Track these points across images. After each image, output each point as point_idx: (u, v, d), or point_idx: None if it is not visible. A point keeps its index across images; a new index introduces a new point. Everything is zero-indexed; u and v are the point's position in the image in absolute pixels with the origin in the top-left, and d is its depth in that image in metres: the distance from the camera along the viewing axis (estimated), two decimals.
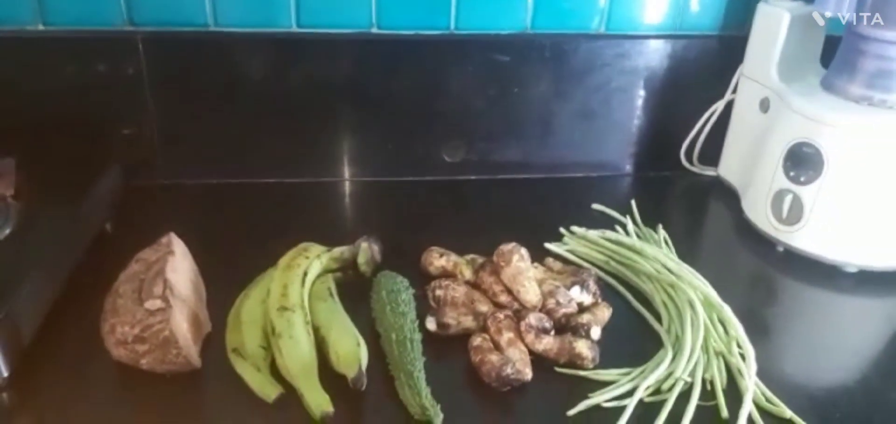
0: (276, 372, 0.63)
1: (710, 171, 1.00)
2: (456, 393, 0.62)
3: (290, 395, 0.61)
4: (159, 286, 0.63)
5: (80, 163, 0.82)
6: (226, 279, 0.72)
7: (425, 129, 0.95)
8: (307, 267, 0.69)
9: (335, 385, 0.60)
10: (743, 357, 0.65)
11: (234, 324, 0.66)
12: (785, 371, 0.67)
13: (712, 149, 0.99)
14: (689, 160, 1.00)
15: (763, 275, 0.84)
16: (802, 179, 0.80)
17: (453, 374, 0.65)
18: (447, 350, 0.67)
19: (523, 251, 0.71)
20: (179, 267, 0.67)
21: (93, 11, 0.84)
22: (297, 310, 0.64)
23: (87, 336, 0.63)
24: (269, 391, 0.60)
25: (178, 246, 0.69)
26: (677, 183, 1.01)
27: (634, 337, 0.71)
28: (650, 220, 0.88)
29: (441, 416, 0.59)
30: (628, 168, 1.02)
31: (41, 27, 0.85)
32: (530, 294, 0.69)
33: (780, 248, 0.85)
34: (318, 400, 0.59)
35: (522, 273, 0.69)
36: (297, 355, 0.61)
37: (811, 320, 0.77)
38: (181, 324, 0.61)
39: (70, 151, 0.84)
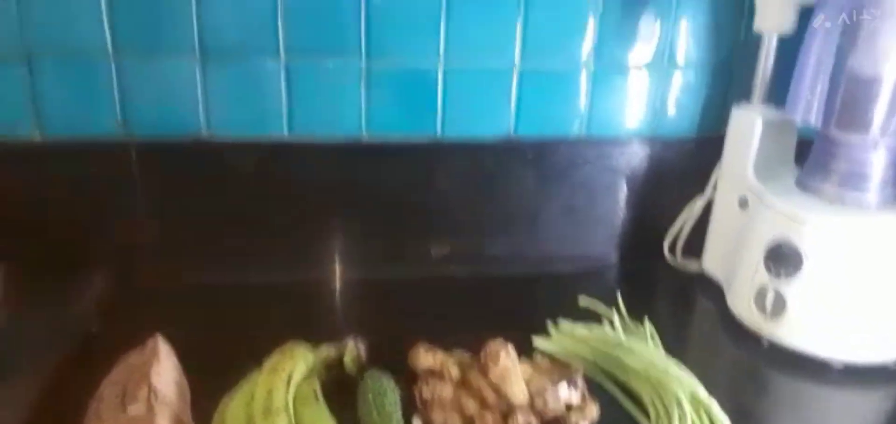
0: None
1: (693, 265, 1.00)
2: None
3: None
4: (143, 391, 0.61)
5: (70, 267, 0.81)
6: (212, 380, 0.69)
7: (412, 226, 0.95)
8: (292, 369, 0.67)
9: None
10: None
11: None
12: None
13: (696, 242, 0.99)
14: (673, 253, 1.00)
15: (749, 369, 0.83)
16: (783, 275, 0.80)
17: None
18: None
19: (510, 349, 0.69)
20: (164, 370, 0.65)
21: (88, 121, 0.85)
22: (281, 415, 0.62)
23: None
24: None
25: (163, 349, 0.68)
26: (662, 275, 1.00)
27: None
28: (635, 312, 0.87)
29: None
30: (614, 259, 1.01)
31: (38, 138, 0.85)
32: (518, 393, 0.67)
33: (766, 343, 0.83)
34: None
35: (510, 372, 0.68)
36: None
37: (799, 415, 0.75)
38: None
39: (61, 255, 0.83)
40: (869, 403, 0.78)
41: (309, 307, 0.90)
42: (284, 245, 0.93)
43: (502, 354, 0.69)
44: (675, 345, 0.81)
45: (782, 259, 0.80)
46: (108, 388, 0.62)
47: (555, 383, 0.70)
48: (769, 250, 0.81)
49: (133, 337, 0.69)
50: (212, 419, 0.66)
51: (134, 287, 0.89)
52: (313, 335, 0.75)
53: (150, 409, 0.59)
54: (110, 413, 0.60)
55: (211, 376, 0.70)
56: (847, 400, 0.78)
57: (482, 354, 0.70)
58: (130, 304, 0.87)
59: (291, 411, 0.64)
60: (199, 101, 0.86)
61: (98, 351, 0.72)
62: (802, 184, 0.84)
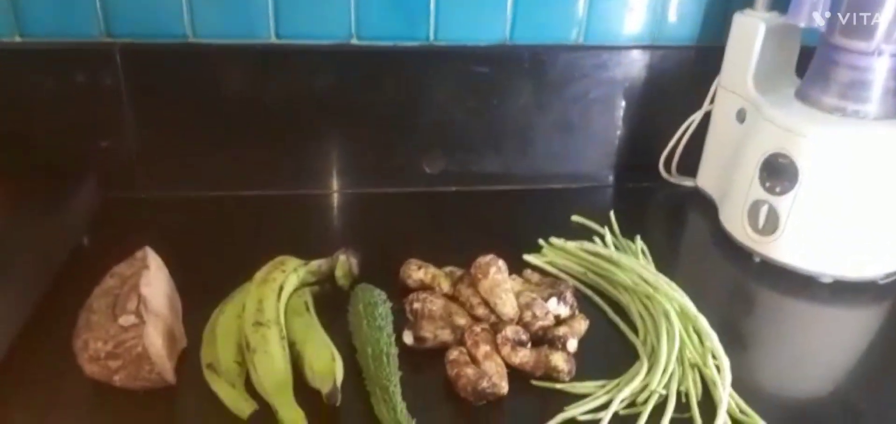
0: (251, 388, 0.62)
1: (688, 182, 1.00)
2: (432, 408, 0.62)
3: (265, 411, 0.60)
4: (133, 301, 0.62)
5: (56, 175, 0.81)
6: (202, 293, 0.71)
7: (405, 140, 0.95)
8: (283, 281, 0.68)
9: (310, 401, 0.60)
10: (718, 368, 0.65)
11: (209, 340, 0.65)
12: (759, 382, 0.67)
13: (691, 160, 0.99)
14: (668, 170, 1.00)
15: (740, 286, 0.84)
16: (778, 190, 0.80)
17: (430, 388, 0.64)
18: (424, 363, 0.67)
19: (501, 263, 0.70)
20: (154, 281, 0.66)
21: (69, 22, 0.83)
22: (272, 326, 0.64)
23: (61, 352, 0.62)
24: (242, 407, 0.60)
25: (154, 261, 0.68)
26: (656, 193, 1.01)
27: (611, 348, 0.70)
28: (629, 231, 0.88)
29: None
30: (608, 178, 1.02)
31: (18, 39, 0.84)
32: (507, 306, 0.68)
33: (757, 259, 0.85)
34: (291, 417, 0.58)
35: (499, 285, 0.69)
36: (272, 371, 0.61)
37: (786, 331, 0.77)
38: (155, 340, 0.61)
39: (46, 163, 0.83)
40: (856, 319, 0.80)
41: (300, 220, 0.91)
42: (274, 156, 0.93)
43: (492, 268, 0.70)
44: (666, 262, 0.82)
45: (778, 173, 0.80)
46: (99, 299, 0.63)
47: (544, 297, 0.71)
48: (765, 163, 0.82)
49: (122, 249, 0.70)
50: (202, 331, 0.67)
51: (122, 198, 0.90)
52: (305, 248, 0.76)
53: (141, 319, 0.60)
54: (101, 323, 0.61)
55: (201, 288, 0.71)
56: (834, 316, 0.80)
57: (472, 268, 0.71)
58: (119, 215, 0.87)
59: (282, 322, 0.65)
60: (183, 3, 0.84)
61: (87, 262, 0.73)
62: (802, 96, 0.84)
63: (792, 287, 0.82)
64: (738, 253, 0.87)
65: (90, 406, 0.61)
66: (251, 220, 0.89)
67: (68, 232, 0.79)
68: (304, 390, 0.61)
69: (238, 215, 0.90)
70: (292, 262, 0.72)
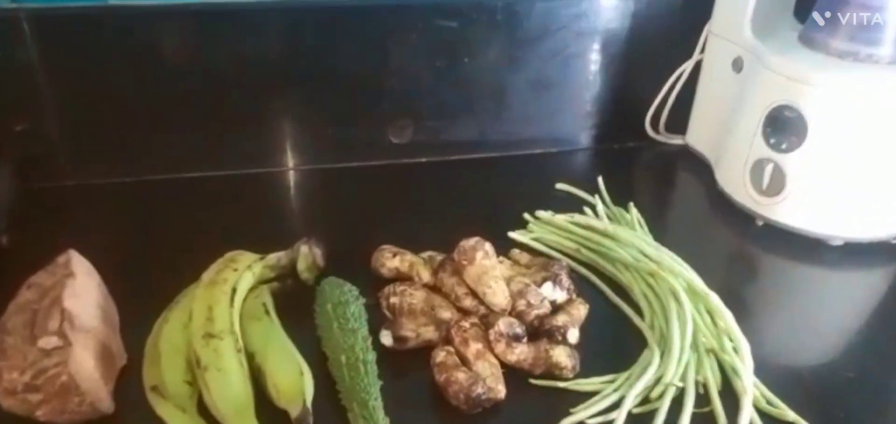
0: (204, 411, 0.53)
1: (677, 140, 0.94)
2: (419, 420, 0.55)
3: None
4: (56, 318, 0.52)
5: None
6: (143, 298, 0.62)
7: (368, 108, 0.86)
8: (235, 281, 0.59)
9: (273, 420, 0.51)
10: (736, 351, 0.59)
11: (153, 357, 0.56)
12: (773, 358, 0.61)
13: (680, 116, 0.92)
14: (655, 129, 0.93)
15: (741, 252, 0.79)
16: (784, 146, 0.74)
17: (415, 396, 0.57)
18: (406, 366, 0.59)
19: (487, 246, 0.63)
20: (82, 291, 0.57)
21: None
22: (226, 336, 0.55)
23: None
24: None
25: (80, 266, 0.59)
26: (643, 154, 0.94)
27: (615, 335, 0.64)
28: (618, 198, 0.81)
29: None
30: (590, 141, 0.94)
31: None
32: (498, 296, 0.60)
33: (760, 222, 0.78)
34: None
35: (488, 272, 0.61)
36: (228, 391, 0.52)
37: (796, 298, 0.71)
38: (85, 363, 0.51)
39: None
40: (868, 281, 0.74)
41: (252, 205, 0.81)
42: (219, 133, 0.83)
43: (479, 253, 0.62)
44: (661, 230, 0.76)
45: (783, 127, 0.74)
46: (14, 317, 0.54)
47: (537, 282, 0.63)
48: (768, 118, 0.75)
49: (42, 252, 0.60)
50: (143, 344, 0.58)
51: (43, 187, 0.79)
52: (259, 239, 0.67)
53: (65, 340, 0.51)
54: (17, 347, 0.51)
55: (141, 293, 0.62)
56: (845, 279, 0.75)
57: (455, 253, 0.63)
58: (40, 209, 0.77)
59: (238, 331, 0.56)
60: None
61: (4, 268, 0.63)
62: (807, 40, 0.77)
63: (799, 251, 0.76)
64: (738, 217, 0.80)
65: None
66: (195, 209, 0.79)
67: None
68: (267, 409, 0.53)
69: (180, 203, 0.80)
70: (245, 258, 0.63)
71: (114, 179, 0.81)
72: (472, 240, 0.62)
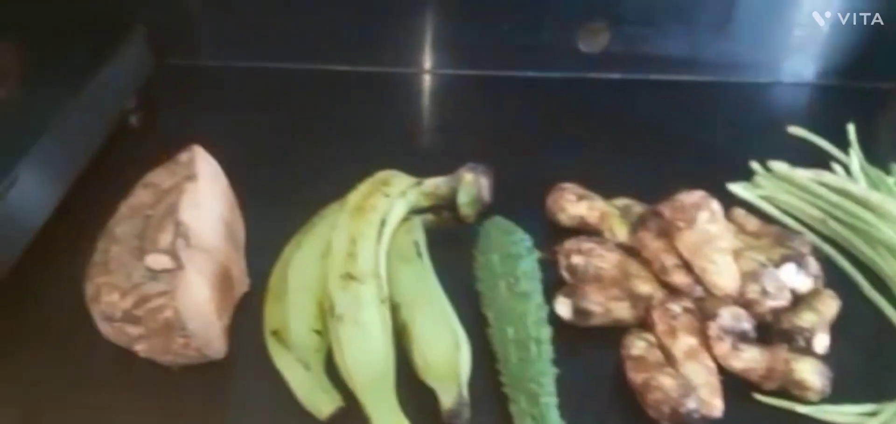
0: (332, 371, 0.43)
1: None
2: None
3: (352, 409, 0.42)
4: (168, 232, 0.44)
5: (94, 28, 0.63)
6: (274, 213, 0.53)
7: (553, 6, 0.72)
8: (386, 211, 0.49)
9: (417, 398, 0.42)
10: None
11: (278, 291, 0.47)
12: None
13: None
14: None
15: None
16: None
17: (594, 392, 0.46)
18: (584, 348, 0.47)
19: (715, 206, 0.48)
20: (204, 199, 0.48)
21: None
22: (369, 280, 0.45)
23: (77, 288, 0.44)
24: (319, 402, 0.42)
25: (205, 167, 0.50)
26: None
27: (874, 347, 0.49)
28: (871, 155, 0.62)
29: None
30: (835, 76, 0.75)
31: None
32: (724, 276, 0.46)
33: None
34: None
35: (712, 241, 0.47)
36: (366, 353, 0.42)
37: None
38: (197, 294, 0.43)
39: (81, 13, 0.65)
40: None
41: (406, 112, 0.71)
42: (376, 23, 0.72)
43: (703, 214, 0.48)
44: None
45: None
46: (124, 222, 0.46)
47: (774, 261, 0.48)
48: None
49: (175, 135, 0.52)
50: (270, 273, 0.49)
51: (179, 65, 0.72)
52: (410, 157, 0.56)
53: (177, 260, 0.42)
54: (122, 261, 0.43)
55: (272, 207, 0.54)
56: None
57: (666, 209, 0.49)
58: (174, 88, 0.70)
59: (383, 275, 0.46)
60: None
61: (133, 150, 0.57)
62: None
63: None
64: None
65: (106, 376, 0.44)
66: (343, 106, 0.70)
67: (110, 104, 0.61)
68: (407, 378, 0.43)
69: (325, 97, 0.71)
70: (400, 181, 0.52)
71: (254, 63, 0.73)
72: (695, 195, 0.48)
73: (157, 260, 0.43)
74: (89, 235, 0.46)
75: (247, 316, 0.47)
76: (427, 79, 0.75)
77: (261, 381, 0.44)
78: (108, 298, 0.41)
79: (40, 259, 0.49)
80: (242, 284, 0.49)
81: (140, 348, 0.42)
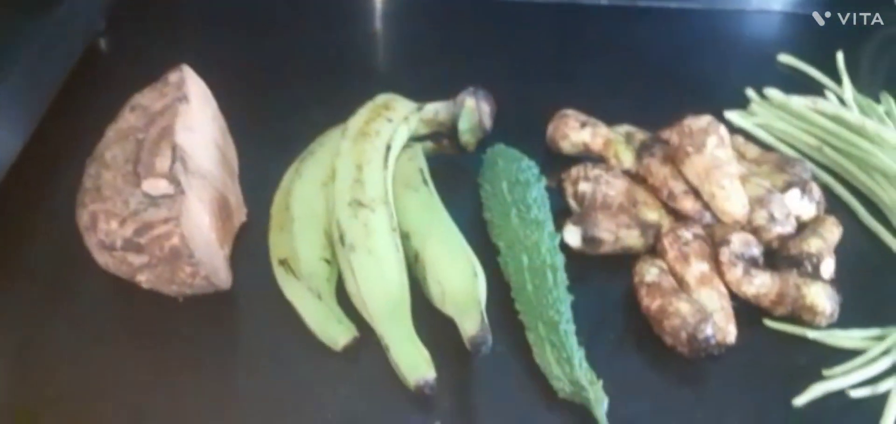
0: (345, 299, 0.42)
1: None
2: (616, 356, 0.43)
3: (367, 338, 0.41)
4: (165, 156, 0.42)
5: None
6: (267, 140, 0.51)
7: None
8: (390, 136, 0.47)
9: (431, 325, 0.41)
10: None
11: (282, 220, 0.46)
12: None
13: None
14: None
15: None
16: None
17: (608, 319, 0.45)
18: (592, 274, 0.47)
19: (723, 131, 0.48)
20: (197, 123, 0.46)
21: None
22: (379, 207, 0.43)
23: (65, 217, 0.42)
24: (334, 333, 0.41)
25: (195, 88, 0.48)
26: (884, 32, 0.74)
27: (874, 272, 0.49)
28: (858, 88, 0.63)
29: (606, 401, 0.38)
30: (821, 6, 0.75)
31: None
32: (733, 202, 0.47)
33: None
34: (412, 359, 0.39)
35: (721, 166, 0.47)
36: (380, 283, 0.42)
37: None
38: (199, 220, 0.41)
39: None
40: None
41: (399, 32, 0.69)
42: None
43: (711, 139, 0.48)
44: None
45: None
46: (114, 146, 0.43)
47: (779, 187, 0.49)
48: None
49: (150, 60, 0.50)
50: (268, 203, 0.47)
51: None
52: (405, 80, 0.55)
53: (177, 185, 0.40)
54: (116, 186, 0.41)
55: (263, 133, 0.53)
56: None
57: (674, 134, 0.49)
58: (138, 10, 0.66)
59: (391, 201, 0.44)
60: None
61: (105, 74, 0.54)
62: None
63: None
64: None
65: (102, 314, 0.42)
66: (335, 25, 0.67)
67: (77, 28, 0.58)
68: (422, 308, 0.42)
69: (316, 15, 0.67)
70: (401, 106, 0.50)
71: None
72: (703, 120, 0.48)
73: (156, 186, 0.41)
74: (70, 163, 0.44)
75: (247, 247, 0.46)
76: (417, 3, 0.72)
77: (269, 312, 0.43)
78: (107, 226, 0.39)
79: (22, 191, 0.47)
80: (240, 213, 0.47)
81: (143, 278, 0.40)
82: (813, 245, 0.46)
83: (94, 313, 0.42)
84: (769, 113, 0.59)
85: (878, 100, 0.62)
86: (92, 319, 0.42)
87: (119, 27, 0.63)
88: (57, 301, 0.43)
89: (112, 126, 0.45)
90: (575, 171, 0.50)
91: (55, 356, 0.40)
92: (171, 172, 0.41)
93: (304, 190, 0.46)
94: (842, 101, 0.61)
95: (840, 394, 0.41)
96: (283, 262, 0.43)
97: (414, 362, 0.39)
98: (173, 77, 0.47)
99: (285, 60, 0.62)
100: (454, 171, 0.52)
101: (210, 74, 0.49)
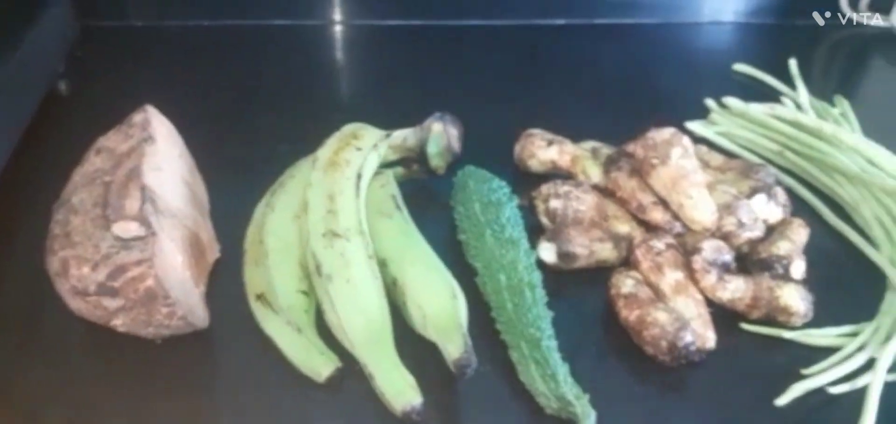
0: (324, 330, 0.42)
1: (879, 21, 0.77)
2: (598, 370, 0.43)
3: (350, 368, 0.41)
4: (134, 198, 0.41)
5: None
6: (236, 175, 0.51)
7: None
8: (361, 164, 0.47)
9: (413, 350, 0.41)
10: None
11: (256, 252, 0.46)
12: None
13: None
14: (854, 5, 0.77)
15: None
16: None
17: (587, 333, 0.46)
18: (568, 290, 0.47)
19: (686, 141, 0.50)
20: (165, 161, 0.45)
21: None
22: (354, 237, 0.43)
23: (34, 263, 0.41)
24: (317, 365, 0.41)
25: (161, 128, 0.47)
26: (833, 35, 0.78)
27: (842, 271, 0.51)
28: (812, 91, 0.65)
29: (593, 414, 0.39)
30: (768, 15, 0.78)
31: None
32: (701, 210, 0.48)
33: None
34: (398, 386, 0.39)
35: (688, 176, 0.48)
36: (360, 311, 0.41)
37: None
38: (173, 260, 0.40)
39: None
40: None
41: (361, 64, 0.69)
42: None
43: (675, 150, 0.49)
44: (873, 132, 0.60)
45: None
46: (82, 190, 0.43)
47: (745, 193, 0.50)
48: None
49: (112, 104, 0.49)
50: (240, 238, 0.47)
51: (100, 28, 0.68)
52: (371, 108, 0.55)
53: (148, 227, 0.40)
54: (86, 231, 0.40)
55: (232, 165, 0.52)
56: None
57: (638, 147, 0.50)
58: (103, 51, 0.65)
59: (366, 229, 0.44)
60: None
61: (66, 120, 0.52)
62: None
63: None
64: None
65: (80, 356, 0.41)
66: (294, 63, 0.68)
67: (36, 73, 0.57)
68: (402, 335, 0.42)
69: (274, 54, 0.68)
70: (370, 134, 0.50)
71: (191, 21, 0.69)
72: (666, 132, 0.49)
73: (127, 228, 0.40)
74: (36, 208, 0.43)
75: (223, 284, 0.45)
76: (375, 31, 0.73)
77: (249, 348, 0.42)
78: (78, 272, 0.39)
79: None
80: (213, 250, 0.47)
81: (119, 322, 0.39)
82: (782, 247, 0.47)
83: (70, 360, 0.41)
84: (729, 121, 0.61)
85: (832, 103, 0.64)
86: (67, 366, 0.41)
87: (79, 69, 0.62)
88: (31, 349, 0.42)
89: (78, 170, 0.44)
90: (545, 189, 0.50)
91: (33, 404, 0.39)
92: (141, 213, 0.40)
93: (277, 222, 0.46)
94: (798, 106, 0.63)
95: (820, 391, 0.42)
96: (260, 297, 0.43)
97: (399, 388, 0.39)
98: (138, 117, 0.47)
99: (250, 95, 0.62)
100: (426, 195, 0.52)
101: (174, 112, 0.49)
